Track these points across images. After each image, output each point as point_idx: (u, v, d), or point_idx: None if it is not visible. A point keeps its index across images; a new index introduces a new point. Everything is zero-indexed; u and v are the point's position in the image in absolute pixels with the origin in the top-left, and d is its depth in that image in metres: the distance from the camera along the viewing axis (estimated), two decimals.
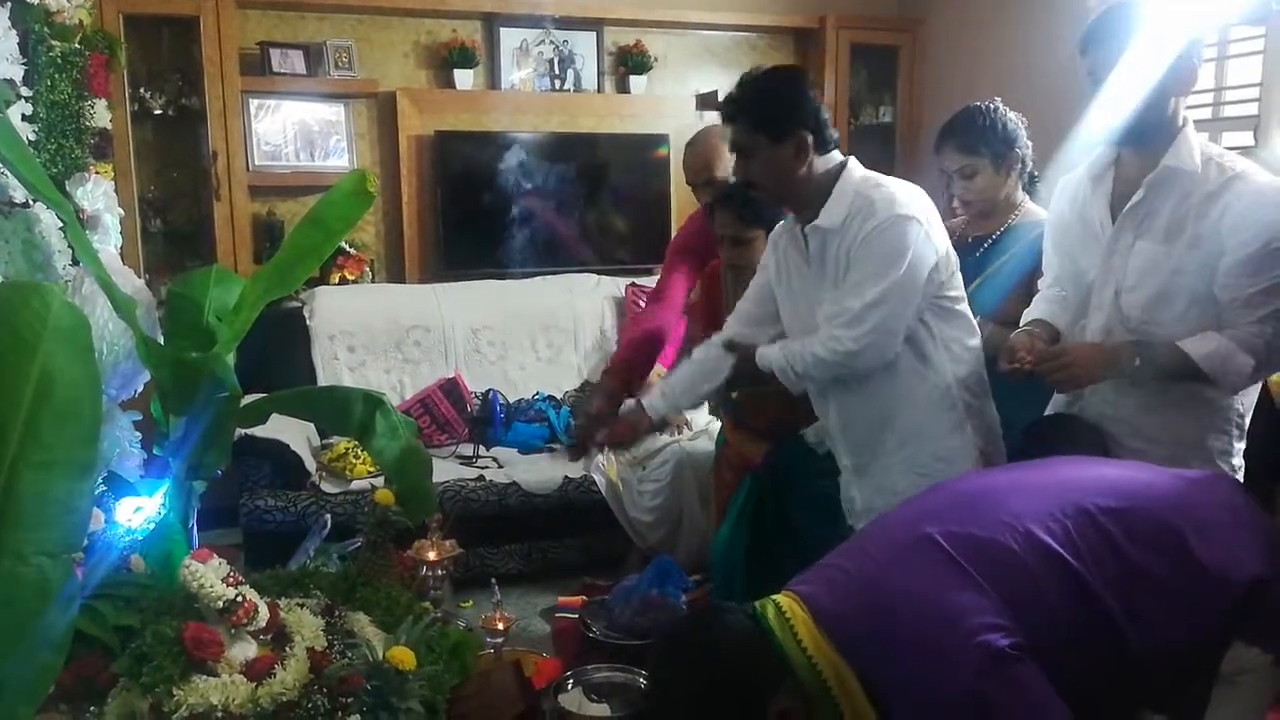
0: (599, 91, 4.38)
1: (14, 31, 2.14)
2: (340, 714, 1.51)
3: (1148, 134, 1.74)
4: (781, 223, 2.00)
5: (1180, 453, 1.70)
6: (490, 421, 3.65)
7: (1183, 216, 1.69)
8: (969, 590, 1.17)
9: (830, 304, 1.82)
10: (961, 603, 1.16)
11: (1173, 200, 1.71)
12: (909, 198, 1.80)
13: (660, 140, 4.36)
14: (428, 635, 1.76)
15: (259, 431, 3.07)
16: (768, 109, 1.81)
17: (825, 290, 1.84)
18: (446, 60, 4.10)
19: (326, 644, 1.74)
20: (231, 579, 1.72)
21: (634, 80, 4.37)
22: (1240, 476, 1.78)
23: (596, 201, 4.37)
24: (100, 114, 3.22)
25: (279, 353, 3.64)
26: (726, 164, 2.51)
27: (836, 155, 1.87)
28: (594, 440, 2.12)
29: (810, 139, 1.80)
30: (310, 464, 3.27)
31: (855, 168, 1.85)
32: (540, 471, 3.41)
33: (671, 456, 3.29)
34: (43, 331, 1.09)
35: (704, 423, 3.36)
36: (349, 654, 1.57)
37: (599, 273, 4.23)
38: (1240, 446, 1.78)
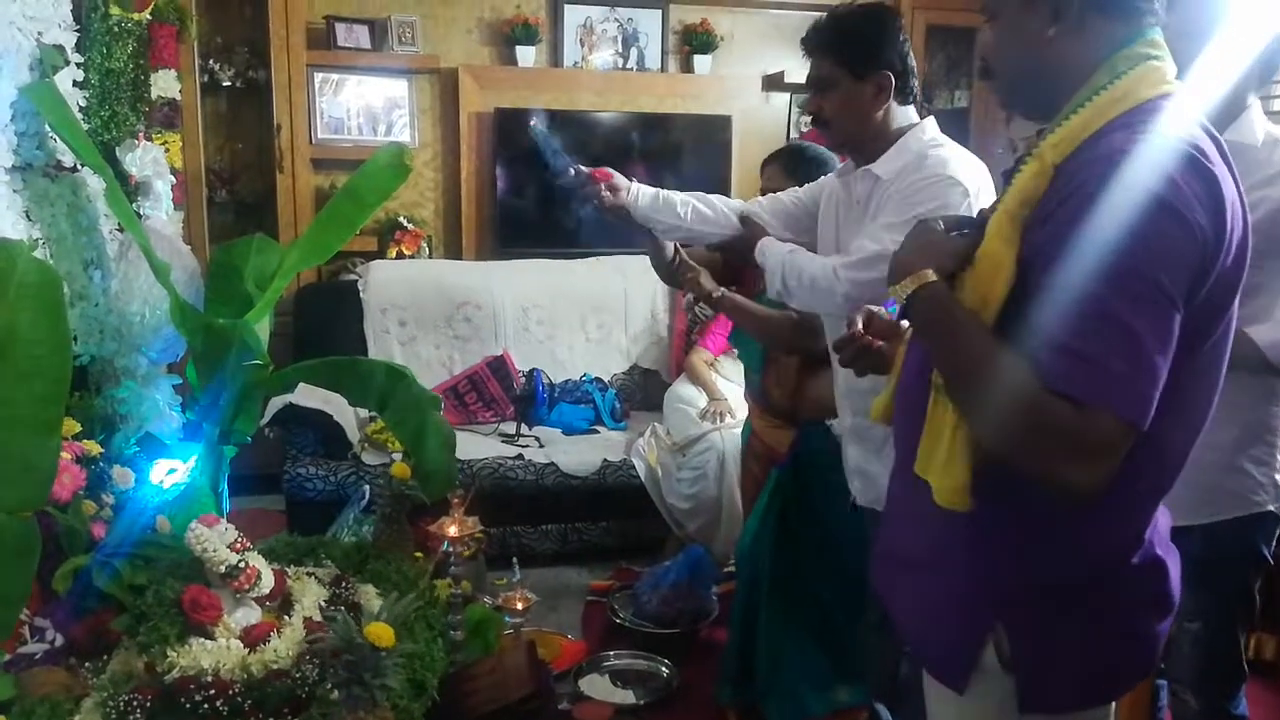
0: (663, 71, 4.30)
1: None
2: (329, 686, 1.51)
3: (1219, 123, 1.62)
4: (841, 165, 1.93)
5: (1209, 456, 1.54)
6: (534, 401, 3.64)
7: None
8: None
9: (857, 242, 1.75)
10: None
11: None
12: (966, 166, 1.71)
13: (724, 122, 4.27)
14: (428, 612, 1.74)
15: (305, 401, 3.12)
16: (855, 44, 1.74)
17: (861, 231, 1.77)
18: (509, 37, 4.08)
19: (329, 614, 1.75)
20: (238, 544, 1.74)
21: (698, 60, 4.28)
22: None
23: (656, 182, 4.21)
24: (169, 84, 3.31)
25: (335, 325, 3.71)
26: None
27: (913, 113, 1.79)
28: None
29: (893, 82, 1.73)
30: (354, 435, 3.31)
31: (929, 127, 1.78)
32: (580, 454, 3.38)
33: (711, 445, 3.23)
34: (6, 287, 1.10)
35: (747, 412, 3.28)
36: (330, 627, 1.56)
37: None
38: None
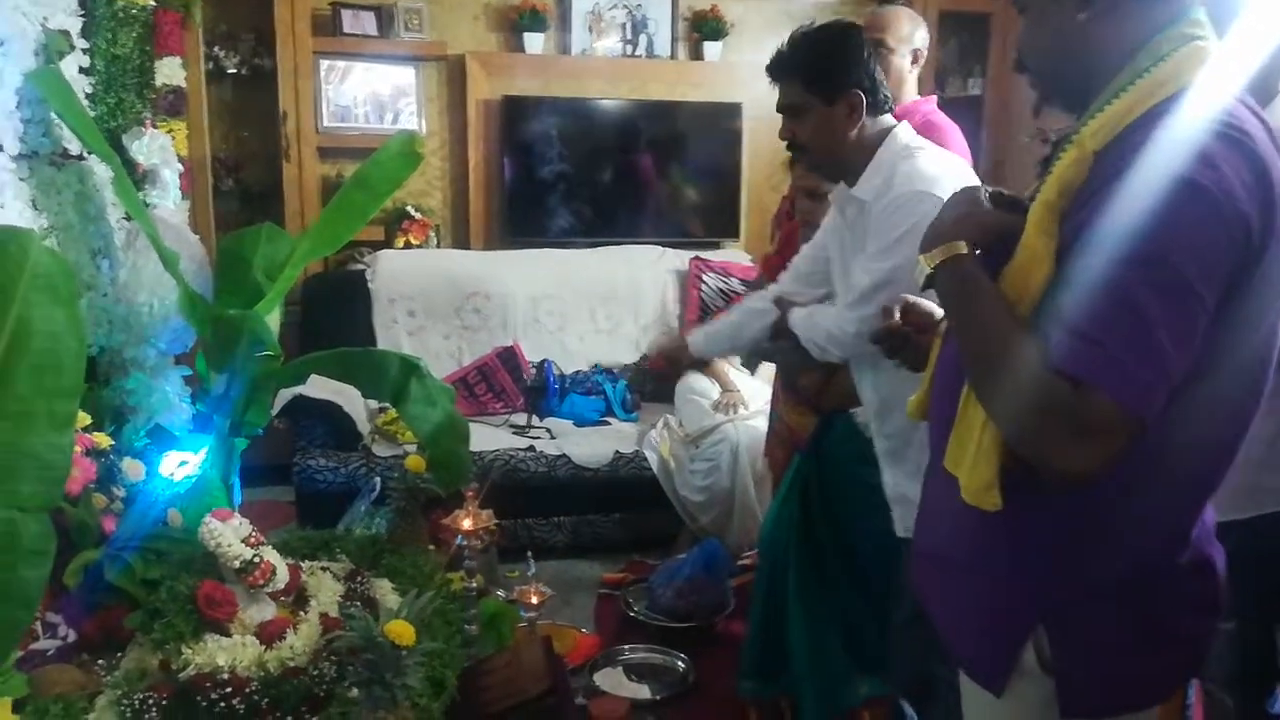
0: (672, 58, 4.25)
1: None
2: (346, 684, 1.47)
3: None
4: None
5: (1246, 449, 1.51)
6: (544, 392, 3.61)
7: None
8: None
9: (852, 277, 1.76)
10: None
11: None
12: (938, 171, 1.67)
13: (734, 109, 4.23)
14: (446, 608, 1.71)
15: (314, 392, 3.09)
16: (821, 68, 1.72)
17: (856, 259, 1.76)
18: (517, 24, 4.03)
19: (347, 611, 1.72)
20: (252, 539, 1.70)
21: (708, 46, 4.23)
22: None
23: (665, 171, 4.26)
24: (173, 71, 3.26)
25: (342, 315, 3.67)
26: (900, 36, 2.40)
27: (888, 120, 1.77)
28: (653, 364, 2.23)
29: (864, 100, 1.71)
30: (364, 426, 3.27)
31: (901, 134, 1.75)
32: (592, 445, 3.35)
33: (725, 437, 3.20)
34: (19, 278, 1.06)
35: (761, 403, 3.24)
36: (349, 624, 1.53)
37: (664, 245, 4.13)
38: None
